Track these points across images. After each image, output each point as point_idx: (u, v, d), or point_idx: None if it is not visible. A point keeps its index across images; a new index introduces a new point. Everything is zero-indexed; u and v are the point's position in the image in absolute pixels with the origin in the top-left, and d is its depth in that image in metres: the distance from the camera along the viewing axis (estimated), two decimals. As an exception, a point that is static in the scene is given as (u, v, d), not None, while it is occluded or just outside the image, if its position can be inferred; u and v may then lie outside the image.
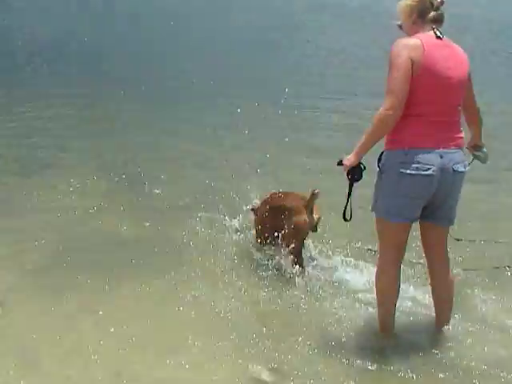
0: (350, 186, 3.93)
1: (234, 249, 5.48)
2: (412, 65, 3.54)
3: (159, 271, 5.04)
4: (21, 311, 4.49)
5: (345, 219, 4.05)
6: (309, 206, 4.96)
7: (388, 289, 4.03)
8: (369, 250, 5.35)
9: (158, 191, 6.76)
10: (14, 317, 4.42)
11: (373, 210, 3.93)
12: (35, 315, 4.43)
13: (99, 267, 5.10)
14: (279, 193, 5.31)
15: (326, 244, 5.50)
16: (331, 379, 3.81)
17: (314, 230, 5.13)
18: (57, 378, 3.74)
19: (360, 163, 3.82)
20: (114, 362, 3.88)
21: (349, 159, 3.81)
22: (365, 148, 3.74)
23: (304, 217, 4.93)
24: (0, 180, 7.14)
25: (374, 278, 4.14)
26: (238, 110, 8.70)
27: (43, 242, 5.54)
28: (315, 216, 5.01)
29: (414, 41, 3.63)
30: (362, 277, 4.94)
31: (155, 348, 4.05)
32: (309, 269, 5.09)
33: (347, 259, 5.25)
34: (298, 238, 5.02)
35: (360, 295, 4.70)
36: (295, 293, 4.79)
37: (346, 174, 3.87)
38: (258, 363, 3.89)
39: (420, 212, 3.85)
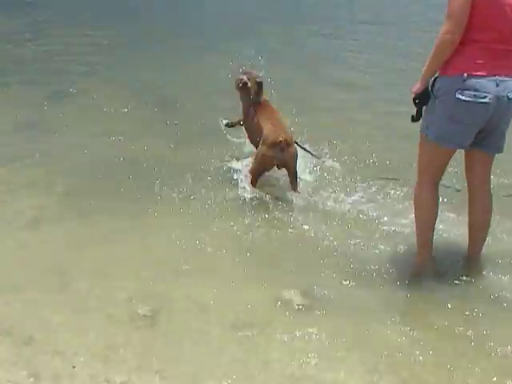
0: (419, 110, 3.85)
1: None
2: None
3: (185, 197, 5.06)
4: (55, 229, 4.56)
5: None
6: (283, 143, 4.92)
7: (429, 207, 3.99)
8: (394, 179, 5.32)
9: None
10: (49, 234, 4.50)
11: (423, 132, 3.85)
12: (68, 234, 4.50)
13: (128, 190, 5.15)
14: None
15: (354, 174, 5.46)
16: (363, 304, 3.79)
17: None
18: (87, 295, 3.79)
19: (427, 88, 3.75)
20: (143, 283, 3.91)
21: (416, 86, 3.78)
22: (429, 72, 3.71)
23: (271, 152, 4.95)
24: (34, 101, 7.08)
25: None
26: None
27: (73, 164, 5.62)
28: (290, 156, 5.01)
29: None
30: (385, 208, 4.91)
31: (185, 270, 4.07)
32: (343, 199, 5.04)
33: (370, 190, 5.21)
34: (257, 168, 5.10)
35: (387, 224, 4.67)
36: (321, 221, 4.74)
37: (413, 100, 3.82)
38: (289, 287, 3.88)
39: (472, 139, 3.77)
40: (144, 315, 3.57)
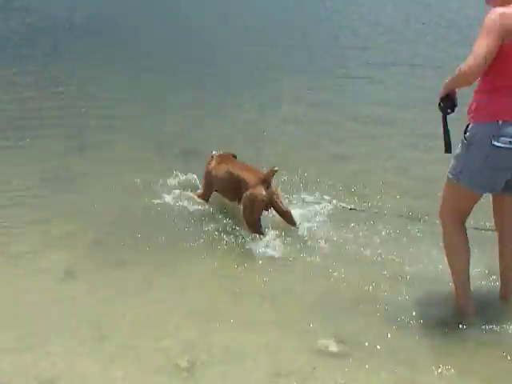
0: (444, 118, 3.95)
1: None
2: (506, 33, 3.51)
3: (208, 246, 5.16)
4: (90, 280, 4.62)
5: (447, 151, 3.97)
6: (266, 181, 5.12)
7: (462, 252, 4.02)
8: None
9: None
10: (84, 285, 4.56)
11: (455, 177, 3.89)
12: (103, 285, 4.55)
13: (155, 240, 5.22)
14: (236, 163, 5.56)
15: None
16: (403, 351, 3.79)
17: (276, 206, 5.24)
18: (125, 346, 3.82)
19: (450, 95, 3.87)
20: (180, 334, 3.94)
21: (440, 91, 3.89)
22: (449, 87, 3.82)
23: (259, 190, 5.10)
24: (59, 154, 7.30)
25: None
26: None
27: (100, 215, 5.69)
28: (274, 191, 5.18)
29: (510, 11, 3.55)
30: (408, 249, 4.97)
31: (219, 319, 4.10)
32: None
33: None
34: (253, 211, 5.18)
35: (412, 266, 4.71)
36: (348, 265, 4.79)
37: (438, 104, 3.92)
38: (324, 334, 3.90)
39: (503, 184, 3.84)
40: (183, 366, 3.60)
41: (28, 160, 7.07)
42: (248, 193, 5.17)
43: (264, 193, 5.12)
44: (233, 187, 5.44)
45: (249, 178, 5.23)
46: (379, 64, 12.12)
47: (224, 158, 5.74)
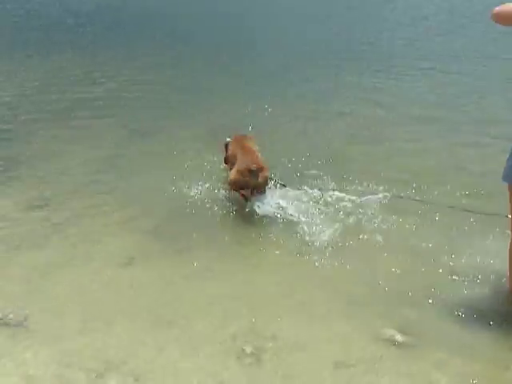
0: None
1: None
2: None
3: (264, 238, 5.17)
4: (149, 267, 4.69)
5: None
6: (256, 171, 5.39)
7: None
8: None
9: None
10: (145, 271, 4.63)
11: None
12: (163, 272, 4.62)
13: (213, 229, 5.30)
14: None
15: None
16: (463, 343, 3.77)
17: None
18: (191, 333, 3.87)
19: None
20: (245, 321, 3.97)
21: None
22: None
23: (243, 177, 5.43)
24: (115, 140, 7.39)
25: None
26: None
27: (154, 205, 5.73)
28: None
29: None
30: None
31: (284, 307, 4.13)
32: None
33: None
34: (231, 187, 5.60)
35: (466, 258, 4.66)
36: (402, 257, 4.77)
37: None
38: (385, 324, 3.91)
39: None
40: (249, 352, 3.64)
41: (83, 148, 7.20)
42: (233, 175, 5.53)
43: (247, 178, 5.42)
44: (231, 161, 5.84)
45: (241, 160, 5.53)
46: (429, 59, 12.05)
47: (238, 143, 5.92)
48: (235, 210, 5.59)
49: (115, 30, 15.99)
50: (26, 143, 7.42)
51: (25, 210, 5.63)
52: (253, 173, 5.42)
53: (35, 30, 15.82)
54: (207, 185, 5.99)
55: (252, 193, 5.59)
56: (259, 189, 5.58)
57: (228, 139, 6.26)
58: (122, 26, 16.63)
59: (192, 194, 5.87)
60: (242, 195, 5.66)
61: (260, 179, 5.48)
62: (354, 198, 5.69)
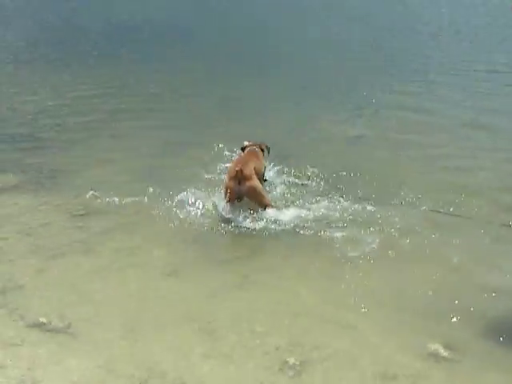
0: None
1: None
2: None
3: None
4: (193, 277, 4.74)
5: None
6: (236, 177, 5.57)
7: None
8: None
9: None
10: (189, 281, 4.68)
11: None
12: (203, 283, 4.64)
13: (251, 242, 5.31)
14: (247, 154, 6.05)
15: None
16: (508, 359, 3.71)
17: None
18: (234, 343, 3.88)
19: None
20: (288, 332, 3.97)
21: None
22: None
23: (229, 183, 5.62)
24: (146, 150, 7.48)
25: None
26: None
27: (198, 216, 5.73)
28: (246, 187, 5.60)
29: None
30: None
31: (326, 320, 4.12)
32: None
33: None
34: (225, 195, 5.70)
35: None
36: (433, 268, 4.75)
37: None
38: (432, 339, 3.85)
39: None
40: (291, 364, 3.63)
41: (122, 157, 7.33)
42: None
43: (231, 186, 5.61)
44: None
45: (228, 170, 5.79)
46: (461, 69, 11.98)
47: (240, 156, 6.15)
48: (276, 222, 5.57)
49: (154, 43, 16.25)
50: (66, 152, 7.59)
51: (68, 218, 5.74)
52: (237, 175, 5.56)
53: (77, 43, 16.17)
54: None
55: (239, 199, 5.68)
56: (247, 195, 5.65)
57: (245, 142, 6.43)
58: (161, 40, 16.90)
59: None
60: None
61: (243, 187, 5.60)
62: (391, 209, 5.65)
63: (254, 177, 5.71)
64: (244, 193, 5.65)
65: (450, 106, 9.42)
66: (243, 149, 6.40)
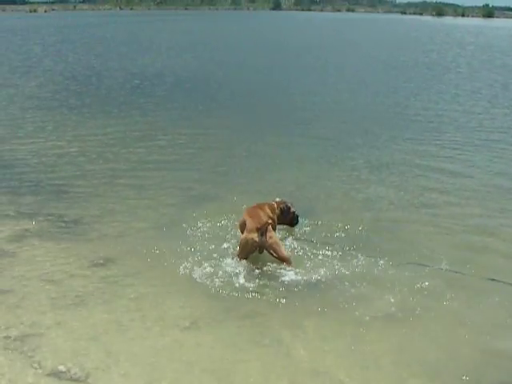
0: None
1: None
2: None
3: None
4: (213, 331, 4.76)
5: None
6: (260, 229, 5.74)
7: None
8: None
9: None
10: (206, 337, 4.69)
11: None
12: (226, 336, 4.69)
13: (271, 295, 5.33)
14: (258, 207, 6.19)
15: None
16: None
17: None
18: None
19: None
20: None
21: None
22: None
23: (252, 235, 5.73)
24: (167, 202, 7.60)
25: None
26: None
27: (217, 267, 5.78)
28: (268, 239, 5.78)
29: None
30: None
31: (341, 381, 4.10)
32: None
33: None
34: (242, 251, 5.81)
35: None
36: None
37: None
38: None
39: None
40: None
41: (143, 208, 7.43)
42: (243, 236, 5.83)
43: (256, 239, 5.72)
44: (242, 230, 5.99)
45: (248, 223, 5.83)
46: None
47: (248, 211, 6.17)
48: (300, 275, 5.63)
49: (175, 92, 16.67)
50: (87, 200, 7.69)
51: (88, 267, 5.81)
52: (260, 231, 5.74)
53: (100, 92, 16.60)
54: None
55: (260, 251, 5.85)
56: (268, 249, 5.81)
57: (277, 199, 6.62)
58: (182, 88, 17.35)
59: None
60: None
61: (268, 238, 5.78)
62: (410, 269, 5.71)
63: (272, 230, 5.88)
64: (267, 245, 5.78)
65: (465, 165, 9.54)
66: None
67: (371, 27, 53.51)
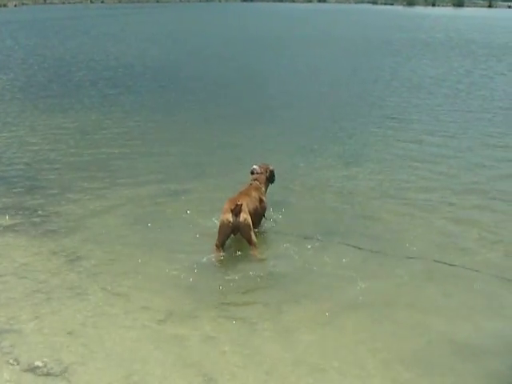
0: None
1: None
2: None
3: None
4: (187, 324, 4.75)
5: None
6: (235, 210, 5.74)
7: None
8: None
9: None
10: (182, 329, 4.67)
11: None
12: (198, 329, 4.67)
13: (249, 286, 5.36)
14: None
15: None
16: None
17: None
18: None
19: None
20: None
21: None
22: None
23: (226, 216, 5.78)
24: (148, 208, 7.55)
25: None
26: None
27: (194, 261, 5.77)
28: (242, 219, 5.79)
29: None
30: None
31: (322, 369, 4.16)
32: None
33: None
34: (219, 234, 5.84)
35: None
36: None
37: None
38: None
39: None
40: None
41: (122, 202, 7.39)
42: (220, 217, 5.89)
43: (230, 219, 5.76)
44: None
45: (224, 206, 5.89)
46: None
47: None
48: (274, 267, 5.68)
49: (145, 83, 16.55)
50: (63, 195, 7.59)
51: (64, 262, 5.77)
52: (234, 212, 5.74)
53: (81, 87, 16.33)
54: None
55: (234, 233, 5.86)
56: (240, 230, 5.82)
57: (254, 166, 6.67)
58: (153, 79, 17.23)
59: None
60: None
61: (241, 219, 5.77)
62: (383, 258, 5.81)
63: (247, 212, 5.90)
64: (240, 226, 5.81)
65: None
66: (252, 173, 6.63)
67: (341, 18, 53.52)
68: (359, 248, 6.00)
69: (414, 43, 29.84)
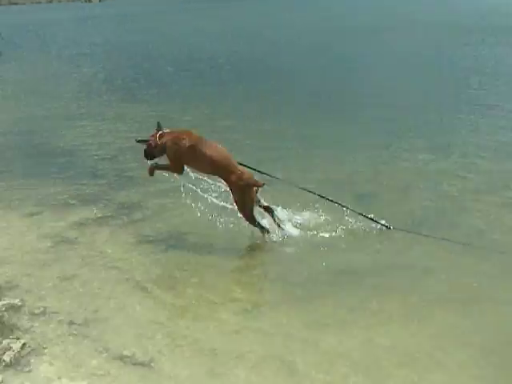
0: None
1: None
2: None
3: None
4: (269, 317, 4.74)
5: None
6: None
7: None
8: None
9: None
10: (264, 322, 4.67)
11: None
12: (281, 321, 4.62)
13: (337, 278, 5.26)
14: None
15: None
16: None
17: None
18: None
19: None
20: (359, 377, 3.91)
21: None
22: None
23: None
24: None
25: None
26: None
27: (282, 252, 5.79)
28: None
29: None
30: None
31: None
32: None
33: None
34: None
35: None
36: None
37: None
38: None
39: None
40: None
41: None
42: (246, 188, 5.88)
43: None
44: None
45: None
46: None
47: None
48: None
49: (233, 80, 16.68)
50: (147, 186, 7.69)
51: (149, 253, 5.87)
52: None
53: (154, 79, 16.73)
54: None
55: None
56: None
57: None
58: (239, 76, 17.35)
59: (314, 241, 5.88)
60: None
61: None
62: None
63: None
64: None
65: None
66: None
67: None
68: (448, 240, 5.73)
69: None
